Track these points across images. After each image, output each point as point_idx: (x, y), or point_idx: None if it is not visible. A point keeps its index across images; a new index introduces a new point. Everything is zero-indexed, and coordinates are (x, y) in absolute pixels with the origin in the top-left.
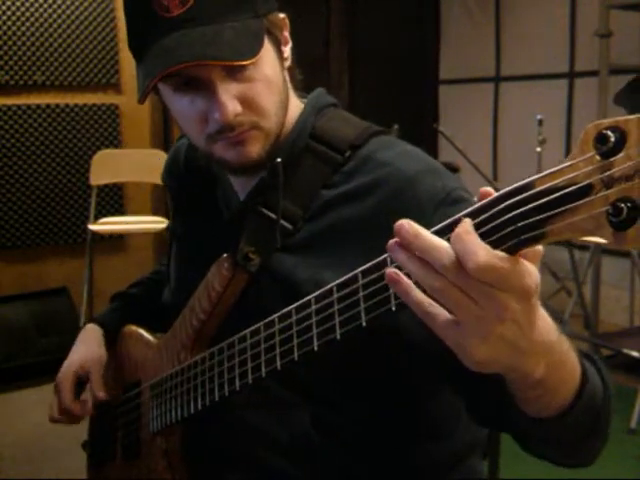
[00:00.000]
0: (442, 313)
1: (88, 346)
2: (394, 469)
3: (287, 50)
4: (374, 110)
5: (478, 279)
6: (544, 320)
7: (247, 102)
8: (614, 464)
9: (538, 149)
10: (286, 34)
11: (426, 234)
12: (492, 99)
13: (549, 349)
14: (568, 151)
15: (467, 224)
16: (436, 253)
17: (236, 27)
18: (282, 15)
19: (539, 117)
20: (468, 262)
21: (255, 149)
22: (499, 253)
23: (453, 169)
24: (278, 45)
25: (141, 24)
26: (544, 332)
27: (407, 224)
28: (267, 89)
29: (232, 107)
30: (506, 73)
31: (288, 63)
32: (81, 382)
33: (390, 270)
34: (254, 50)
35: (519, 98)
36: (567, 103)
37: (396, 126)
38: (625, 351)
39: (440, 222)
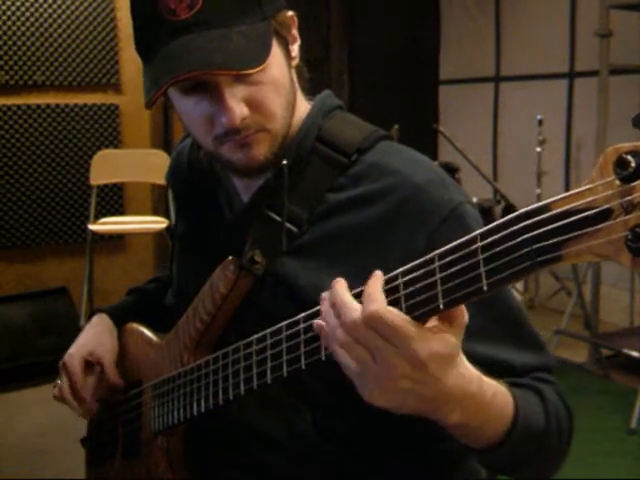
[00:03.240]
0: (351, 363)
1: (99, 334)
2: (393, 470)
3: (295, 49)
4: (374, 110)
5: (372, 328)
6: (459, 374)
7: (254, 105)
8: (614, 464)
9: (538, 149)
10: (294, 32)
11: (343, 293)
12: (492, 99)
13: (466, 398)
14: (568, 151)
15: (377, 279)
16: (346, 310)
17: (244, 32)
18: (290, 13)
19: (539, 117)
20: (368, 307)
21: (262, 151)
22: (396, 311)
23: (453, 169)
24: (286, 45)
25: (148, 27)
26: (459, 384)
27: (339, 282)
28: (274, 91)
29: (239, 111)
30: (506, 73)
31: (296, 62)
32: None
33: (317, 322)
34: (261, 58)
35: (519, 98)
36: (567, 103)
37: (396, 126)
38: (625, 351)
39: (445, 237)
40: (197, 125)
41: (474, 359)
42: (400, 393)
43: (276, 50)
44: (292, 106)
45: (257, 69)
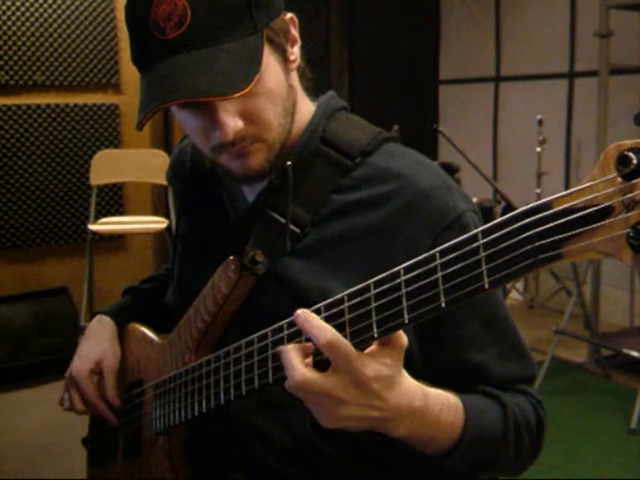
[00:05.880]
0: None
1: (101, 342)
2: (392, 470)
3: (295, 51)
4: (374, 110)
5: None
6: (402, 392)
7: (249, 117)
8: (614, 464)
9: (538, 149)
10: (294, 34)
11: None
12: (492, 99)
13: (411, 414)
14: (568, 151)
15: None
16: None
17: (232, 50)
18: (289, 15)
19: (539, 117)
20: (319, 339)
21: (258, 160)
22: (342, 340)
23: (453, 169)
24: (283, 52)
25: (140, 42)
26: (402, 402)
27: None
28: (269, 101)
29: (233, 125)
30: (506, 73)
31: (297, 63)
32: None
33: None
34: (249, 77)
35: (519, 98)
36: (567, 103)
37: (396, 126)
38: (625, 351)
39: (444, 244)
40: (194, 135)
41: (457, 365)
42: (349, 418)
43: (270, 59)
44: (290, 111)
45: (243, 91)
